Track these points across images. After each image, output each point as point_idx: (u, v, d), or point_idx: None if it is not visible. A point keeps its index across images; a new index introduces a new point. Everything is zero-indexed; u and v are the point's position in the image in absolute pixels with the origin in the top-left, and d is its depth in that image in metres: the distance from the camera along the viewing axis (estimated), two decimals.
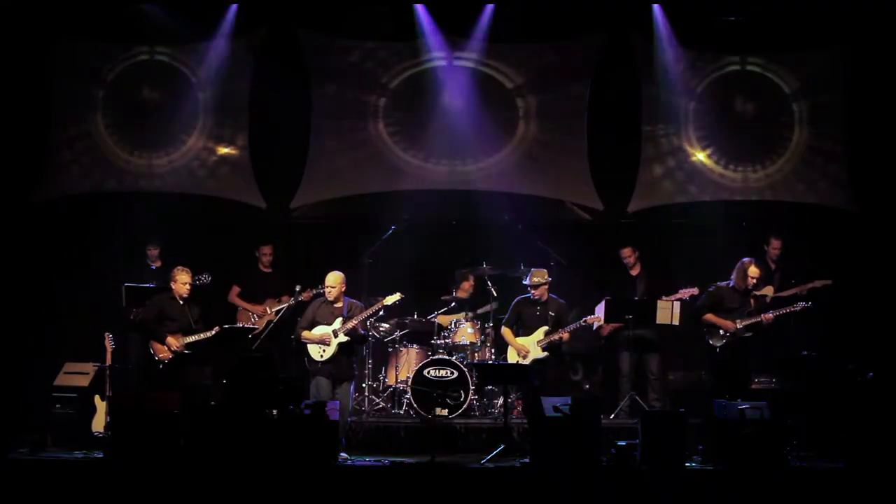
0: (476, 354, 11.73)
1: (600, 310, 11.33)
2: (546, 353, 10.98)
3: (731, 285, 10.74)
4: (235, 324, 11.66)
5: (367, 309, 10.53)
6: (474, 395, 11.20)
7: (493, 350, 11.84)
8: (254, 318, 11.88)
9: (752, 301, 10.75)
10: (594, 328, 11.52)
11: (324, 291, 10.50)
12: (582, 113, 12.81)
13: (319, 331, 10.37)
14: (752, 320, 10.59)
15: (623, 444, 9.53)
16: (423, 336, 11.86)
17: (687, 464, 9.48)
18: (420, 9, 12.58)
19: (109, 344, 10.64)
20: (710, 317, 10.72)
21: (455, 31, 12.74)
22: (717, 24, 12.52)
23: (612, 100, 12.79)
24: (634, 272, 11.96)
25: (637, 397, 11.44)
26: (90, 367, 10.95)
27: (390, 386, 11.71)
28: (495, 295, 11.86)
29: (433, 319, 11.91)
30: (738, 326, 10.58)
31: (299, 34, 12.79)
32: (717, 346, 10.66)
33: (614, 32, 12.70)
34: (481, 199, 12.78)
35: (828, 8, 12.28)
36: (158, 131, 12.80)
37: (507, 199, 12.78)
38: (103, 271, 12.04)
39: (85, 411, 10.61)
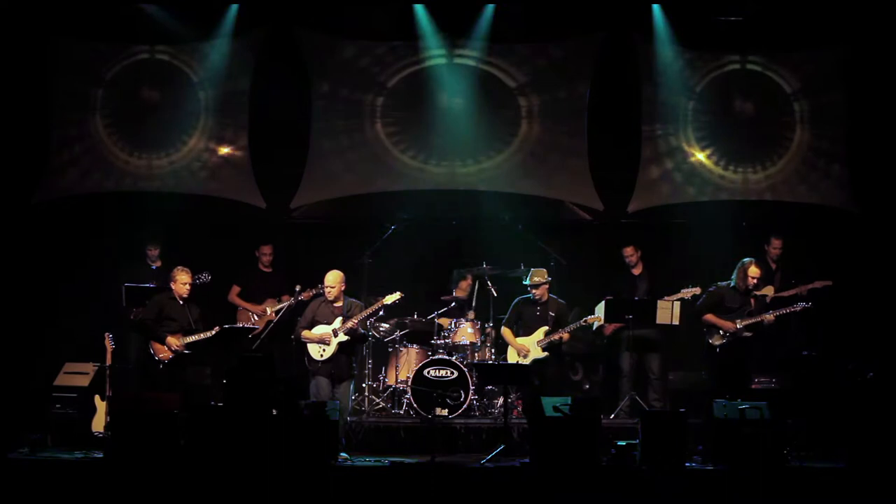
0: (476, 354, 11.73)
1: (600, 310, 11.33)
2: (546, 353, 10.99)
3: (731, 285, 10.74)
4: (235, 324, 11.66)
5: (366, 308, 10.53)
6: (474, 395, 11.20)
7: (493, 350, 11.84)
8: (254, 318, 11.89)
9: (752, 301, 10.75)
10: (594, 328, 11.51)
11: (323, 291, 10.50)
12: (582, 113, 12.81)
13: (319, 330, 10.37)
14: (753, 320, 10.59)
15: (623, 444, 9.53)
16: (423, 336, 11.86)
17: (687, 464, 9.48)
18: (420, 9, 12.58)
19: (109, 344, 10.64)
20: (710, 317, 10.72)
21: (455, 31, 12.74)
22: (717, 24, 12.52)
23: (612, 100, 12.79)
24: (636, 272, 11.95)
25: (637, 397, 11.44)
26: (90, 367, 10.95)
27: (390, 386, 11.71)
28: (495, 295, 11.86)
29: (433, 319, 11.91)
30: (738, 327, 10.57)
31: (299, 34, 12.79)
32: (717, 345, 10.66)
33: (614, 32, 12.70)
34: (481, 199, 12.79)
35: (828, 8, 12.29)
36: (159, 132, 12.80)
37: (507, 199, 12.78)
38: (103, 271, 12.04)
39: (85, 411, 10.61)
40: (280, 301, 11.83)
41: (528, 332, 11.10)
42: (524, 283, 11.17)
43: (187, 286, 10.56)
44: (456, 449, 10.66)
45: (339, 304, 10.47)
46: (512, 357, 11.09)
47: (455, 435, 10.80)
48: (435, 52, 12.81)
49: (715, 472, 9.37)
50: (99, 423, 10.49)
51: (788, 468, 9.44)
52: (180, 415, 9.45)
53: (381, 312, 11.01)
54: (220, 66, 12.73)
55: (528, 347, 11.02)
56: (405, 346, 11.81)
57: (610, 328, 11.73)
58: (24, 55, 12.42)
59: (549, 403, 9.42)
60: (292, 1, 12.64)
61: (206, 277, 11.00)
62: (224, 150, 12.93)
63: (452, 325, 11.81)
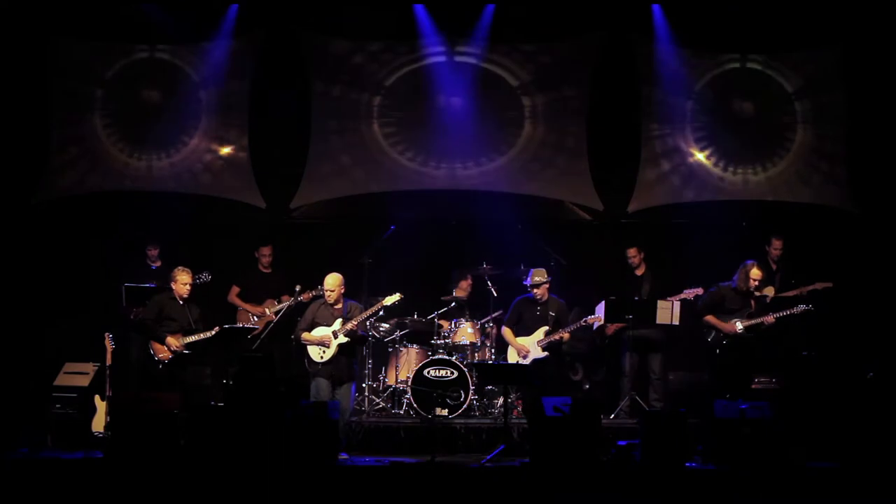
0: (476, 354, 11.73)
1: (601, 309, 11.34)
2: (546, 353, 10.99)
3: (732, 286, 10.74)
4: (235, 324, 11.66)
5: (366, 310, 10.53)
6: (474, 395, 11.20)
7: (493, 350, 11.84)
8: (253, 319, 11.89)
9: (752, 303, 10.75)
10: (594, 328, 11.51)
11: (323, 293, 10.50)
12: (582, 113, 12.81)
13: (319, 332, 10.37)
14: (753, 322, 10.59)
15: (623, 444, 9.53)
16: (423, 336, 11.86)
17: (687, 464, 9.48)
18: (420, 9, 12.58)
19: (109, 344, 10.63)
20: (710, 318, 10.72)
21: (455, 31, 12.74)
22: (717, 25, 12.51)
23: (612, 100, 12.79)
24: (639, 272, 11.95)
25: (637, 397, 11.44)
26: (90, 367, 10.96)
27: (390, 386, 11.70)
28: (495, 295, 11.86)
29: (433, 319, 11.91)
30: (739, 328, 10.57)
31: (299, 34, 12.79)
32: (717, 346, 10.65)
33: (614, 32, 12.70)
34: (481, 199, 12.78)
35: (828, 7, 12.29)
36: (159, 132, 12.80)
37: (507, 199, 12.77)
38: (103, 271, 12.04)
39: (85, 411, 10.61)
40: (280, 301, 11.83)
41: (529, 332, 11.10)
42: (524, 283, 11.17)
43: (188, 286, 10.56)
44: (456, 449, 10.65)
45: (339, 305, 10.47)
46: (512, 357, 11.10)
47: (455, 435, 10.79)
48: (435, 52, 12.80)
49: (715, 472, 9.37)
50: (99, 423, 10.49)
51: (788, 468, 9.44)
52: (180, 415, 9.45)
53: (380, 313, 11.01)
54: (220, 66, 12.74)
55: (528, 347, 11.02)
56: (405, 347, 11.81)
57: (612, 328, 11.73)
58: (24, 55, 12.42)
59: (549, 403, 9.42)
60: (292, 1, 12.64)
61: (206, 277, 11.00)
62: (224, 150, 12.93)
63: (452, 325, 11.81)
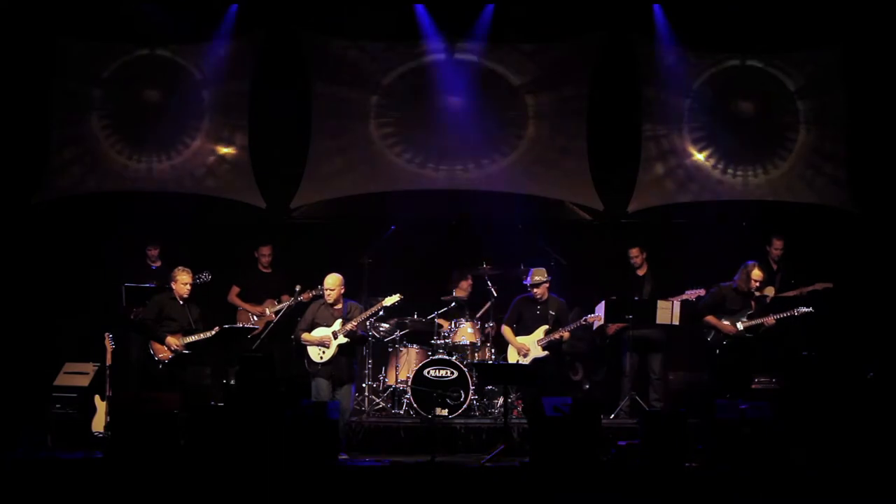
0: (476, 354, 11.73)
1: (601, 309, 11.34)
2: (546, 353, 10.99)
3: (733, 286, 10.74)
4: (235, 324, 11.66)
5: (366, 310, 10.53)
6: (474, 395, 11.20)
7: (493, 350, 11.84)
8: (253, 319, 11.88)
9: (752, 303, 10.74)
10: (594, 327, 11.51)
11: (323, 294, 10.50)
12: (582, 113, 12.81)
13: (319, 332, 10.36)
14: (754, 322, 10.58)
15: (623, 444, 9.53)
16: (423, 336, 11.86)
17: (687, 464, 9.48)
18: (420, 9, 12.58)
19: (109, 344, 10.64)
20: (711, 319, 10.72)
21: (455, 31, 12.73)
22: (718, 25, 12.51)
23: (612, 100, 12.79)
24: (641, 272, 11.95)
25: (637, 397, 11.44)
26: (90, 367, 10.96)
27: (390, 386, 11.70)
28: (495, 294, 11.85)
29: (433, 319, 11.91)
30: (739, 329, 10.57)
31: (299, 34, 12.79)
32: (717, 346, 10.65)
33: (614, 32, 12.70)
34: (481, 199, 12.78)
35: (828, 7, 12.29)
36: (159, 133, 12.80)
37: (507, 199, 12.77)
38: (103, 271, 12.04)
39: (85, 411, 10.61)
40: (280, 301, 11.83)
41: (529, 332, 11.10)
42: (524, 282, 11.17)
43: (188, 286, 10.56)
44: (456, 449, 10.65)
45: (339, 306, 10.47)
46: (512, 357, 11.10)
47: (455, 435, 10.79)
48: (435, 51, 12.79)
49: (715, 472, 9.37)
50: (99, 423, 10.49)
51: (788, 468, 9.44)
52: (180, 415, 9.45)
53: (380, 313, 11.01)
54: (220, 66, 12.74)
55: (528, 347, 11.02)
56: (405, 347, 11.81)
57: (613, 328, 11.74)
58: (24, 55, 12.42)
59: (549, 403, 9.42)
60: (292, 1, 12.64)
61: (206, 277, 11.00)
62: (224, 150, 12.93)
63: (452, 325, 11.81)
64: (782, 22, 12.48)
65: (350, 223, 12.87)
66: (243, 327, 11.24)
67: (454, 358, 11.34)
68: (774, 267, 11.85)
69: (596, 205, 12.82)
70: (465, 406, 11.06)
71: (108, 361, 10.59)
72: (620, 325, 11.62)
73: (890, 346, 11.26)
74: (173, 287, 10.58)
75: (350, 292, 10.72)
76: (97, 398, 10.59)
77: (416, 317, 11.97)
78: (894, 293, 12.02)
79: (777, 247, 11.90)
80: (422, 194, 12.84)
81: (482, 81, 12.84)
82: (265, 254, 12.20)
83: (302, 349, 10.43)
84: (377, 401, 11.66)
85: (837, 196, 12.69)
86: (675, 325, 11.32)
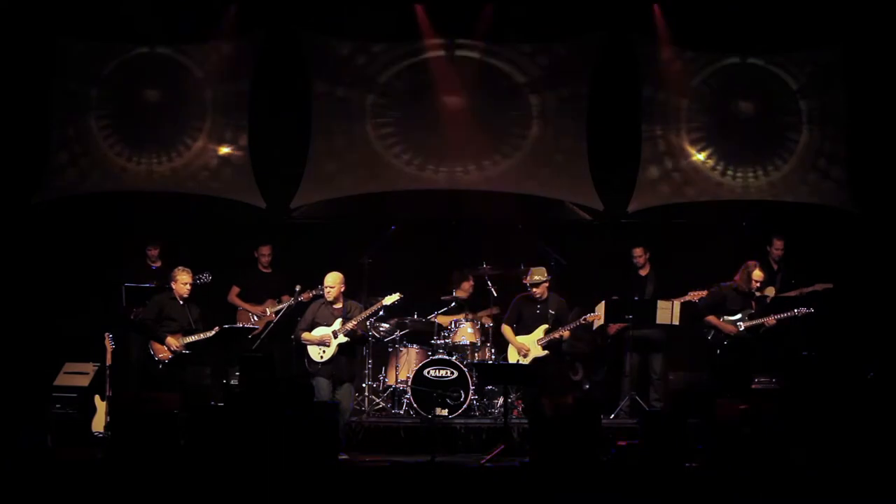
0: (476, 354, 11.73)
1: (601, 309, 11.33)
2: (546, 352, 10.99)
3: (734, 286, 10.74)
4: (235, 324, 11.65)
5: (366, 309, 10.53)
6: (474, 395, 11.20)
7: (493, 350, 11.84)
8: (253, 319, 11.89)
9: (753, 304, 10.74)
10: (594, 327, 11.51)
11: (323, 292, 10.50)
12: (582, 113, 12.81)
13: (319, 332, 10.37)
14: (754, 323, 10.57)
15: (623, 444, 9.53)
16: (423, 336, 11.86)
17: (687, 464, 9.48)
18: (420, 9, 12.57)
19: (109, 344, 10.64)
20: (711, 319, 10.71)
21: (456, 32, 12.73)
22: (717, 25, 12.51)
23: (612, 100, 12.79)
24: (643, 272, 11.95)
25: (637, 397, 11.44)
26: (90, 367, 10.95)
27: (390, 386, 11.71)
28: (495, 295, 11.85)
29: (433, 319, 11.91)
30: (740, 329, 10.57)
31: (299, 34, 12.78)
32: (717, 346, 10.65)
33: (614, 32, 12.70)
34: (481, 199, 12.78)
35: (827, 7, 12.29)
36: (160, 134, 12.79)
37: (507, 199, 12.77)
38: (103, 271, 12.04)
39: (85, 411, 10.61)
40: (280, 301, 11.84)
41: (529, 331, 11.10)
42: (524, 281, 11.17)
43: (188, 286, 10.56)
44: (456, 449, 10.66)
45: (339, 305, 10.47)
46: (512, 356, 11.09)
47: (455, 435, 10.79)
48: (434, 50, 12.78)
49: (715, 472, 9.36)
50: (99, 423, 10.49)
51: (788, 468, 9.44)
52: (180, 415, 9.45)
53: (380, 313, 11.01)
54: (220, 66, 12.74)
55: (528, 346, 11.02)
56: (405, 346, 11.81)
57: (614, 328, 11.74)
58: (24, 55, 12.42)
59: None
60: (292, 1, 12.64)
61: (206, 277, 11.00)
62: (224, 150, 12.93)
63: (452, 325, 11.81)
64: (782, 22, 12.47)
65: (350, 223, 12.87)
66: (243, 327, 11.24)
67: (454, 358, 11.34)
68: (775, 267, 11.85)
69: (596, 205, 12.82)
70: (465, 406, 11.07)
71: (108, 361, 10.59)
72: (622, 324, 11.62)
73: (890, 346, 11.26)
74: (173, 287, 10.58)
75: (350, 292, 10.73)
76: (97, 398, 10.59)
77: (416, 317, 11.97)
78: (894, 293, 12.02)
79: (777, 247, 11.89)
80: (422, 194, 12.83)
81: (483, 79, 12.82)
82: (265, 254, 12.20)
83: (302, 349, 10.43)
84: (377, 401, 11.66)
85: (837, 196, 12.69)
86: (676, 325, 11.32)
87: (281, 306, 11.51)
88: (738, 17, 12.44)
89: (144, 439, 9.31)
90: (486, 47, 12.77)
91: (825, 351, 11.26)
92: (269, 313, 11.78)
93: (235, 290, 12.15)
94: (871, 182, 12.52)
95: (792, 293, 11.60)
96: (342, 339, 10.31)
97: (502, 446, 9.99)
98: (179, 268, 10.64)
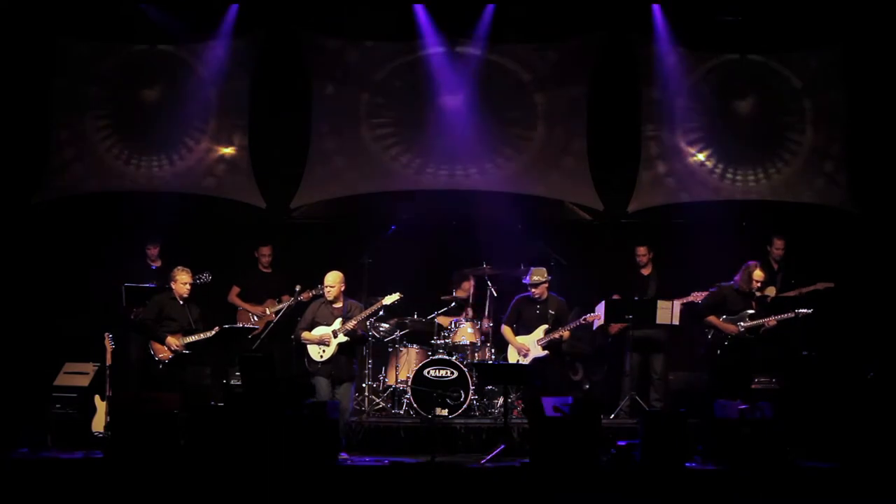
0: (476, 354, 11.73)
1: (601, 308, 11.34)
2: (546, 352, 10.98)
3: (734, 287, 10.73)
4: (235, 324, 11.65)
5: (366, 309, 10.53)
6: (474, 395, 11.19)
7: (493, 350, 11.84)
8: (253, 319, 11.89)
9: (753, 304, 10.74)
10: (594, 327, 11.51)
11: (323, 292, 10.50)
12: (582, 113, 12.81)
13: (319, 331, 10.37)
14: (754, 323, 10.57)
15: (623, 444, 9.53)
16: (423, 336, 11.86)
17: (687, 464, 9.48)
18: (420, 9, 12.57)
19: (109, 344, 10.63)
20: (712, 319, 10.71)
21: (455, 32, 12.72)
22: (718, 24, 12.51)
23: (612, 100, 12.79)
24: (646, 272, 11.95)
25: (637, 397, 11.44)
26: (90, 367, 10.95)
27: (390, 386, 11.70)
28: (495, 295, 11.85)
29: (433, 319, 11.91)
30: (741, 330, 10.56)
31: (299, 34, 12.78)
32: (717, 346, 10.64)
33: (614, 32, 12.70)
34: (481, 199, 12.78)
35: (827, 7, 12.29)
36: (160, 133, 12.78)
37: (507, 199, 12.77)
38: (103, 271, 12.03)
39: (85, 411, 10.60)
40: (280, 301, 11.84)
41: (528, 331, 11.10)
42: (524, 281, 11.17)
43: (187, 286, 10.56)
44: (456, 449, 10.65)
45: (339, 305, 10.47)
46: (512, 357, 11.09)
47: (455, 435, 10.79)
48: (434, 49, 12.77)
49: (715, 472, 9.37)
50: (99, 423, 10.49)
51: (788, 468, 9.44)
52: (180, 415, 9.46)
53: (380, 313, 11.00)
54: (220, 66, 12.73)
55: (528, 346, 11.02)
56: (405, 346, 11.81)
57: (615, 328, 11.74)
58: (24, 55, 12.42)
59: (549, 403, 9.42)
60: (292, 1, 12.64)
61: (206, 277, 11.00)
62: (224, 150, 12.93)
63: (452, 325, 11.81)
64: (782, 22, 12.47)
65: (350, 223, 12.88)
66: (243, 327, 11.24)
67: (454, 358, 11.34)
68: (775, 267, 11.85)
69: (596, 205, 12.82)
70: (465, 406, 11.06)
71: (108, 361, 10.58)
72: (623, 324, 11.62)
73: (890, 346, 11.26)
74: (173, 287, 10.58)
75: (350, 292, 10.73)
76: (97, 398, 10.58)
77: (416, 317, 11.97)
78: (894, 293, 12.02)
79: (778, 247, 11.89)
80: (422, 194, 12.83)
81: (485, 78, 12.80)
82: (265, 254, 12.20)
83: (302, 349, 10.43)
84: (377, 401, 11.66)
85: (837, 196, 12.69)
86: (676, 325, 11.32)
87: (281, 306, 11.51)
88: (738, 18, 12.43)
89: (144, 439, 9.31)
90: (486, 50, 12.74)
91: (825, 351, 11.26)
92: (269, 313, 11.78)
93: (235, 290, 12.15)
94: (871, 182, 12.51)
95: (792, 293, 11.61)
96: (342, 338, 10.31)
97: (502, 446, 9.98)
98: (179, 268, 10.64)
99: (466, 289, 12.19)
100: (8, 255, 12.16)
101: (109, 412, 10.28)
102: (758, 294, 10.79)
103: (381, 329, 11.91)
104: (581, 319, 11.08)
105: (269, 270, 12.24)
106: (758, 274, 10.66)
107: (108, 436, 9.96)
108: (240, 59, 12.75)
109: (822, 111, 12.74)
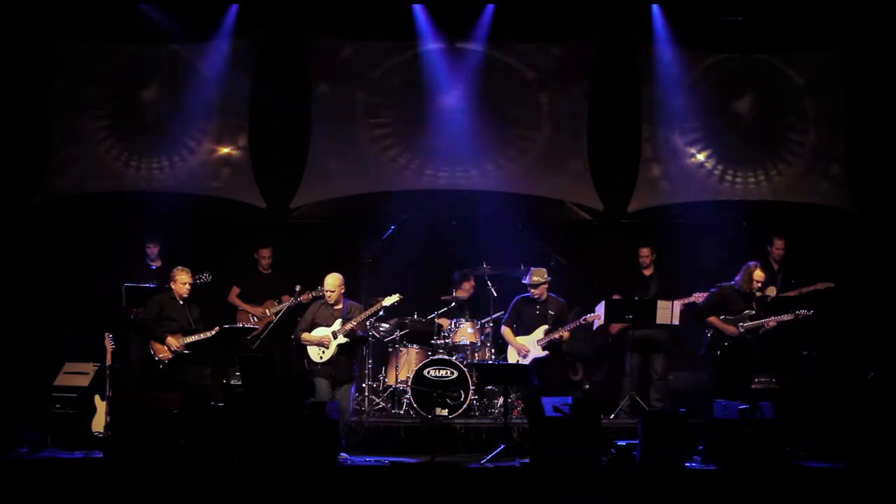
0: (476, 354, 11.73)
1: (601, 308, 11.34)
2: (546, 353, 10.98)
3: (735, 287, 10.73)
4: (235, 324, 11.65)
5: (366, 310, 10.53)
6: (474, 395, 11.19)
7: (493, 350, 11.84)
8: (253, 320, 11.89)
9: (754, 304, 10.74)
10: (594, 327, 11.51)
11: (323, 294, 10.49)
12: (582, 113, 12.80)
13: (319, 332, 10.36)
14: (754, 324, 10.57)
15: (623, 444, 9.53)
16: (423, 336, 11.86)
17: (687, 464, 9.48)
18: (419, 9, 12.56)
19: (109, 344, 10.63)
20: (712, 319, 10.70)
21: (455, 32, 12.72)
22: (718, 25, 12.51)
23: (612, 100, 12.78)
24: (647, 272, 11.95)
25: (637, 397, 11.44)
26: (90, 367, 10.95)
27: (390, 386, 11.70)
28: (495, 295, 11.85)
29: (433, 319, 11.90)
30: (741, 331, 10.56)
31: (299, 34, 12.78)
32: (717, 346, 10.64)
33: (614, 32, 12.70)
34: (481, 199, 12.77)
35: (827, 7, 12.28)
36: (160, 134, 12.78)
37: (507, 199, 12.77)
38: (103, 271, 12.03)
39: (85, 411, 10.60)
40: (280, 302, 11.84)
41: (528, 332, 11.10)
42: (523, 282, 11.17)
43: (187, 286, 10.56)
44: (456, 449, 10.65)
45: (339, 306, 10.47)
46: (512, 357, 11.09)
47: (455, 435, 10.79)
48: (434, 49, 12.76)
49: (715, 472, 9.37)
50: (99, 423, 10.48)
51: (788, 468, 9.44)
52: (180, 415, 9.46)
53: (380, 313, 11.00)
54: (220, 66, 12.73)
55: (527, 347, 11.02)
56: (405, 347, 11.81)
57: (616, 327, 11.74)
58: (24, 55, 12.42)
59: (549, 403, 9.43)
60: (292, 1, 12.64)
61: (206, 277, 11.00)
62: (224, 150, 12.93)
63: (452, 325, 11.81)
64: (782, 22, 12.46)
65: (350, 223, 12.87)
66: (243, 327, 11.24)
67: (454, 358, 11.34)
68: (775, 267, 11.84)
69: (596, 205, 12.82)
70: (465, 406, 11.06)
71: (108, 361, 10.58)
72: (623, 324, 11.62)
73: (890, 346, 11.26)
74: (173, 287, 10.59)
75: (350, 292, 10.72)
76: (97, 398, 10.58)
77: (416, 317, 11.97)
78: (894, 293, 12.02)
79: (778, 247, 11.89)
80: (422, 194, 12.83)
81: (486, 76, 12.78)
82: (265, 256, 12.20)
83: (302, 349, 10.43)
84: (377, 401, 11.66)
85: (837, 196, 12.69)
86: (676, 325, 11.32)
87: (281, 307, 11.52)
88: (738, 17, 12.42)
89: (144, 439, 9.31)
90: (486, 50, 12.74)
91: (825, 351, 11.25)
92: (268, 314, 11.78)
93: (236, 290, 12.15)
94: (871, 182, 12.51)
95: (792, 293, 11.60)
96: (342, 339, 10.31)
97: (502, 446, 9.98)
98: (179, 268, 10.64)
99: (467, 289, 12.18)
100: (8, 255, 12.15)
101: (109, 412, 10.28)
102: (758, 294, 10.78)
103: (381, 329, 11.91)
104: (581, 319, 11.08)
105: (269, 271, 12.24)
106: (758, 274, 10.65)
107: (108, 436, 9.96)
108: (240, 59, 12.74)
109: (824, 111, 12.74)
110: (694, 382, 11.55)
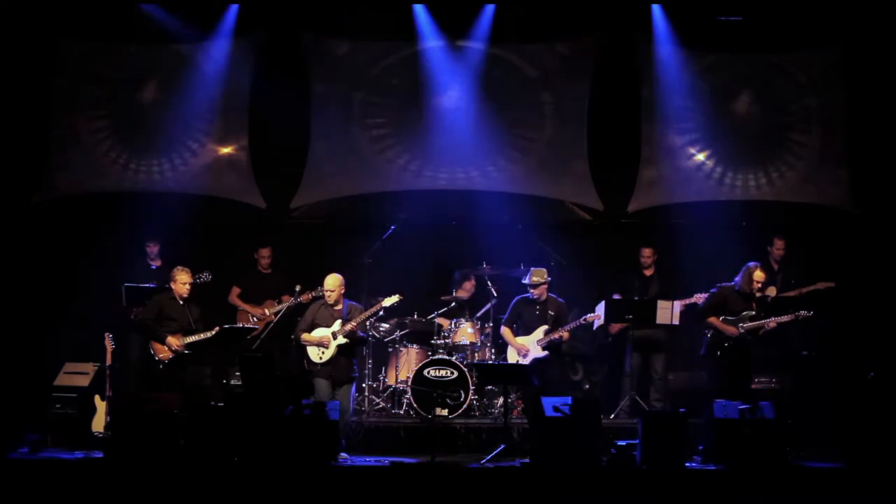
0: (476, 354, 11.73)
1: (601, 308, 11.34)
2: (546, 353, 10.98)
3: (735, 288, 10.73)
4: (235, 324, 11.65)
5: (366, 311, 10.52)
6: (474, 395, 11.19)
7: (493, 350, 11.84)
8: (253, 320, 11.88)
9: (754, 305, 10.74)
10: (594, 327, 11.51)
11: (323, 295, 10.49)
12: (583, 113, 12.80)
13: (319, 333, 10.36)
14: (755, 324, 10.56)
15: (623, 444, 9.53)
16: (423, 336, 11.86)
17: (687, 464, 9.48)
18: (419, 9, 12.56)
19: (109, 344, 10.63)
20: (712, 320, 10.70)
21: (455, 32, 12.72)
22: (718, 24, 12.51)
23: (612, 100, 12.78)
24: (648, 273, 11.95)
25: (637, 397, 11.44)
26: (90, 367, 10.95)
27: (390, 386, 11.71)
28: (495, 295, 11.85)
29: (433, 319, 11.91)
30: (741, 331, 10.56)
31: (299, 34, 12.78)
32: (717, 346, 10.64)
33: (614, 32, 12.70)
34: (481, 199, 12.77)
35: (827, 7, 12.28)
36: (160, 134, 12.77)
37: (507, 199, 12.77)
38: (103, 271, 12.03)
39: (85, 411, 10.60)
40: (280, 302, 11.83)
41: (528, 332, 11.10)
42: (523, 282, 11.17)
43: (187, 286, 10.56)
44: (456, 449, 10.65)
45: (339, 306, 10.46)
46: (512, 357, 11.09)
47: (455, 435, 10.79)
48: (434, 48, 12.76)
49: (715, 472, 9.37)
50: (99, 423, 10.49)
51: (788, 468, 9.44)
52: (180, 415, 9.47)
53: (380, 314, 11.00)
54: (219, 66, 12.72)
55: (527, 347, 11.02)
56: (405, 347, 11.81)
57: (616, 327, 11.74)
58: (24, 55, 12.41)
59: (549, 403, 9.43)
60: (292, 1, 12.63)
61: (206, 277, 11.00)
62: (224, 150, 12.92)
63: (452, 325, 11.81)
64: (782, 22, 12.46)
65: (350, 223, 12.87)
66: (243, 327, 11.24)
67: (454, 358, 11.34)
68: (776, 267, 11.84)
69: (596, 205, 12.81)
70: (465, 406, 11.06)
71: (108, 361, 10.58)
72: (623, 324, 11.62)
73: (890, 346, 11.26)
74: (173, 287, 10.59)
75: (350, 292, 10.72)
76: (97, 398, 10.58)
77: (416, 317, 11.96)
78: (894, 293, 12.01)
79: (778, 247, 11.89)
80: (422, 194, 12.82)
81: (487, 75, 12.76)
82: (265, 255, 12.20)
83: (302, 349, 10.43)
84: (377, 401, 11.66)
85: (837, 196, 12.69)
86: (676, 325, 11.32)
87: (281, 307, 11.51)
88: (738, 18, 12.42)
89: (144, 439, 9.31)
90: (486, 50, 12.73)
91: (825, 351, 11.25)
92: (268, 314, 11.79)
93: (236, 290, 12.15)
94: (871, 182, 12.51)
95: (792, 293, 11.60)
96: (341, 340, 10.30)
97: (502, 446, 9.98)
98: (179, 268, 10.65)
99: (468, 289, 12.19)
100: (8, 255, 12.15)
101: (109, 412, 10.28)
102: (758, 295, 10.78)
103: (381, 329, 11.91)
104: (581, 319, 11.08)
105: (268, 271, 12.24)
106: (758, 275, 10.65)
107: (108, 436, 9.96)
108: (240, 59, 12.73)
109: (824, 111, 12.73)
110: (694, 382, 11.55)
